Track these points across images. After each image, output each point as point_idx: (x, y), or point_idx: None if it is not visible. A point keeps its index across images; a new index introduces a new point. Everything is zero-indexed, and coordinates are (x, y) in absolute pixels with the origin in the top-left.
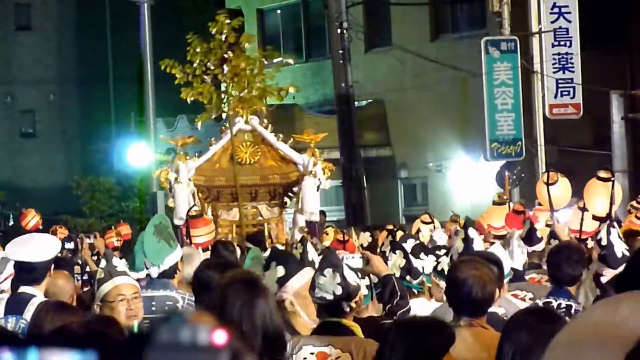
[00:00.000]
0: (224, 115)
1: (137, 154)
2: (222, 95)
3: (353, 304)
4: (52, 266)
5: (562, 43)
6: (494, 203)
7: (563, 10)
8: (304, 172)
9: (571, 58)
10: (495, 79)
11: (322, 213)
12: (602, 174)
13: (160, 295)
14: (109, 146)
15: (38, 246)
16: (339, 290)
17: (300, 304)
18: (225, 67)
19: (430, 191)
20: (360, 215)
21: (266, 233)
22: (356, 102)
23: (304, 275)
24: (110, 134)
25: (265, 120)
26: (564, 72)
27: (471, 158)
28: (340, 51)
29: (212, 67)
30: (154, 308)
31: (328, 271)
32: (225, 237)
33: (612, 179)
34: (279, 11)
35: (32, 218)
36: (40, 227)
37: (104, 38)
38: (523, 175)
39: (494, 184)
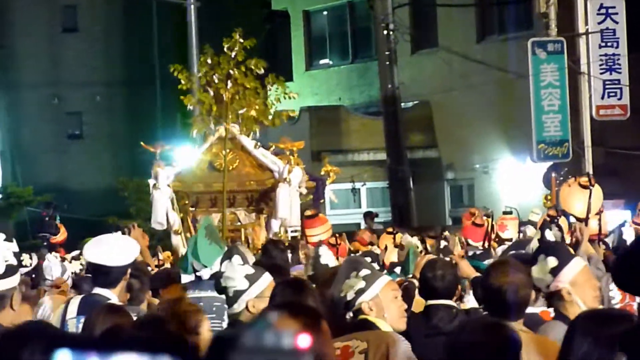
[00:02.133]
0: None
1: (184, 155)
2: (223, 109)
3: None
4: (129, 270)
5: (609, 44)
6: (473, 224)
7: (610, 11)
8: (279, 179)
9: (618, 59)
10: (542, 80)
11: (371, 215)
12: (583, 181)
13: (208, 296)
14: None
15: (117, 250)
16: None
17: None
18: (229, 83)
19: (477, 192)
20: (407, 217)
21: (243, 238)
22: (402, 104)
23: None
24: (157, 136)
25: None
26: (610, 74)
27: (518, 159)
28: (387, 52)
29: (216, 81)
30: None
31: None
32: None
33: (590, 187)
34: (325, 12)
35: (60, 235)
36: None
37: (150, 39)
38: (570, 176)
39: (541, 186)
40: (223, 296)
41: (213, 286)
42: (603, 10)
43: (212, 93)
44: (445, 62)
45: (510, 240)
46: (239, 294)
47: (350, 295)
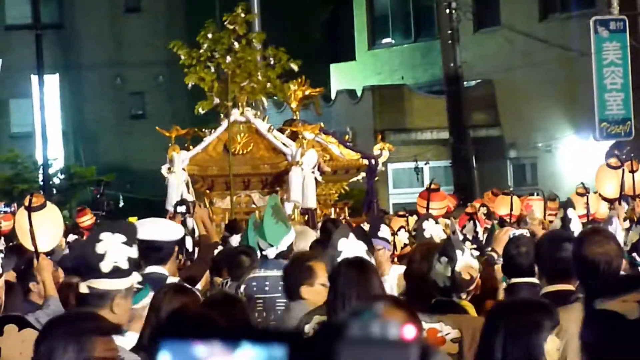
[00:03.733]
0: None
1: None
2: (224, 85)
3: (463, 295)
4: (177, 248)
5: None
6: (503, 193)
7: None
8: (292, 162)
9: None
10: (604, 58)
11: None
12: (612, 162)
13: (274, 276)
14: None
15: (165, 226)
16: (448, 282)
17: None
18: (229, 57)
19: (540, 171)
20: (470, 195)
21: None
22: (465, 83)
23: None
24: (219, 115)
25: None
26: None
27: (580, 138)
28: (449, 31)
29: (217, 56)
30: (267, 288)
31: (443, 260)
32: (219, 224)
33: (622, 166)
34: None
35: (88, 219)
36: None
37: (213, 18)
38: (632, 154)
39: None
40: None
41: (279, 265)
42: None
43: (212, 69)
44: (508, 40)
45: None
46: None
47: (442, 283)
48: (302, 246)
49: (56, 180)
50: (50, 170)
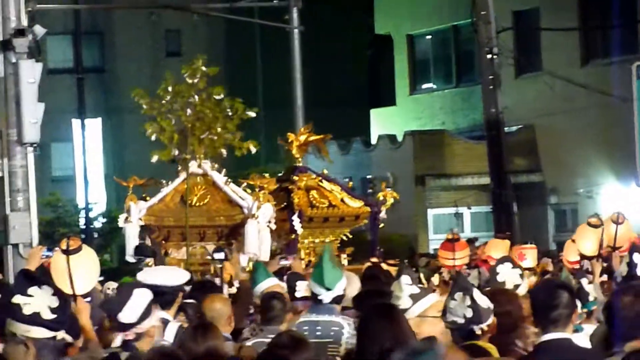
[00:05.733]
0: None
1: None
2: (183, 137)
3: (485, 327)
4: (182, 293)
5: None
6: (496, 237)
7: None
8: (248, 215)
9: None
10: None
11: (472, 240)
12: (593, 221)
13: (325, 321)
14: (258, 172)
15: (170, 272)
16: (469, 313)
17: None
18: (189, 110)
19: (581, 217)
20: (510, 242)
21: (212, 271)
22: (506, 128)
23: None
24: (260, 162)
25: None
26: None
27: (622, 184)
28: (490, 77)
29: (177, 108)
30: (319, 333)
31: (458, 295)
32: None
33: (602, 225)
34: (429, 37)
35: None
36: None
37: (253, 63)
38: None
39: None
40: (341, 320)
41: (330, 310)
42: None
43: (173, 121)
44: (549, 86)
45: (530, 269)
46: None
47: (460, 321)
48: (349, 292)
49: (97, 224)
50: (92, 214)
